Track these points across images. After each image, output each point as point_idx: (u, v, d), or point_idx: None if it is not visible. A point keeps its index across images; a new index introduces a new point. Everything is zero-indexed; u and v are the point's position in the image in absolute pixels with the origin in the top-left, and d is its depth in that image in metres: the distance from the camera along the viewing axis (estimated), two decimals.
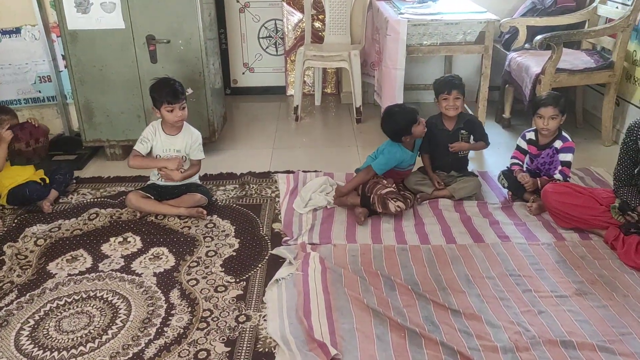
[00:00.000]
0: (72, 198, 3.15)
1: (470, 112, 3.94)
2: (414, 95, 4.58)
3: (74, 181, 3.32)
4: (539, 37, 3.40)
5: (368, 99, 4.63)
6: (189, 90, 3.52)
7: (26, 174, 3.09)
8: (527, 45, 3.99)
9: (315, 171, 3.40)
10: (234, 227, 2.80)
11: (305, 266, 2.41)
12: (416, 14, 3.56)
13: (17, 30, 3.70)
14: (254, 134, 4.18)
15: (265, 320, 2.11)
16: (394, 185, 2.90)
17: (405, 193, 2.93)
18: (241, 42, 5.04)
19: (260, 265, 2.48)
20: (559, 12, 4.04)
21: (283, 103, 4.92)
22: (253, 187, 3.23)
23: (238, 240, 2.68)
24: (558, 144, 2.85)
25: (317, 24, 4.78)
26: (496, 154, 3.66)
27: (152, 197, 2.92)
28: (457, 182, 3.02)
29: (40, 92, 3.88)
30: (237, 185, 3.26)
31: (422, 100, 4.63)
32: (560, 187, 2.70)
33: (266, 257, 2.54)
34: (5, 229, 2.82)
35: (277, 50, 5.07)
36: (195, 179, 3.08)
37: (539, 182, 2.87)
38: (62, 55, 3.72)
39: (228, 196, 3.13)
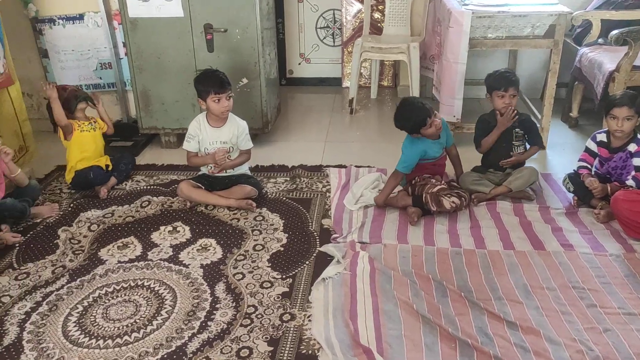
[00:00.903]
0: (126, 185, 3.19)
1: (535, 110, 3.74)
2: (475, 90, 4.37)
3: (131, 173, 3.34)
4: (615, 31, 3.16)
5: (426, 93, 4.48)
6: (244, 80, 3.49)
7: (97, 152, 3.16)
8: (600, 40, 3.74)
9: (368, 167, 3.31)
10: (283, 221, 2.75)
11: (353, 266, 2.33)
12: (481, 5, 3.38)
13: (81, 17, 3.77)
14: (308, 126, 4.12)
15: (309, 320, 2.05)
16: (443, 182, 2.77)
17: (460, 191, 2.80)
18: (298, 32, 4.98)
19: (307, 262, 2.42)
20: (637, 5, 3.76)
21: (338, 95, 4.83)
22: (304, 181, 3.17)
23: (286, 235, 2.63)
24: (632, 147, 2.64)
25: (377, 15, 4.65)
26: (560, 155, 3.46)
27: (203, 187, 2.91)
28: (512, 175, 2.86)
29: (101, 78, 3.95)
30: (288, 178, 3.21)
31: (482, 96, 4.42)
32: (633, 195, 2.51)
33: (314, 254, 2.48)
34: (61, 213, 2.87)
35: (334, 41, 4.98)
36: (245, 169, 3.05)
37: (608, 188, 2.67)
38: (122, 42, 3.77)
39: (278, 189, 3.08)
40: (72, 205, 2.94)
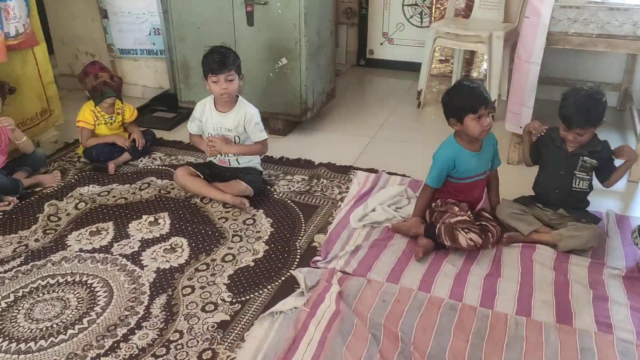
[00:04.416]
0: (141, 161, 3.03)
1: None
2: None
3: (152, 149, 3.16)
4: None
5: None
6: (283, 60, 3.14)
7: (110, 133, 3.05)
8: None
9: (403, 175, 2.83)
10: (272, 229, 2.41)
11: (317, 302, 1.94)
12: None
13: None
14: (362, 116, 3.68)
15: None
16: (469, 213, 2.24)
17: (488, 224, 2.25)
18: (383, 9, 4.48)
19: (270, 287, 2.06)
20: None
21: (417, 82, 4.28)
22: (322, 183, 2.78)
23: (267, 247, 2.29)
24: None
25: None
26: None
27: (202, 177, 2.64)
28: (566, 227, 2.23)
29: (154, 44, 3.82)
30: (307, 177, 2.83)
31: None
32: None
33: (283, 277, 2.11)
34: (62, 184, 2.78)
35: (421, 21, 4.42)
36: (255, 162, 2.73)
37: None
38: None
39: (289, 189, 2.73)
40: (75, 177, 2.84)
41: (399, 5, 4.42)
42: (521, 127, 2.85)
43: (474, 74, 4.32)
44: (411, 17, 4.43)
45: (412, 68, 4.50)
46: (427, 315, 1.91)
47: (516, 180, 2.74)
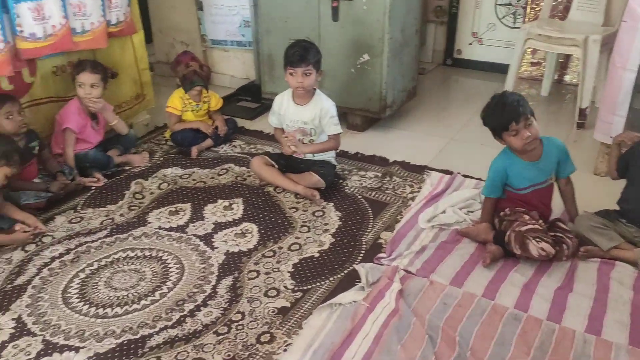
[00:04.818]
0: (222, 148, 3.15)
1: None
2: None
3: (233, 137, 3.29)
4: None
5: None
6: (365, 57, 3.16)
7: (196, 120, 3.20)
8: None
9: (479, 179, 2.76)
10: (340, 223, 2.44)
11: (377, 298, 1.95)
12: None
13: None
14: (443, 117, 3.62)
15: (285, 350, 1.77)
16: (540, 222, 2.15)
17: (564, 236, 2.16)
18: (474, 8, 4.36)
19: (332, 279, 2.09)
20: None
21: (504, 85, 4.14)
22: (394, 181, 2.77)
23: (333, 240, 2.32)
24: None
25: None
26: None
27: (277, 166, 2.72)
28: None
29: (243, 36, 3.95)
30: (379, 174, 2.84)
31: None
32: None
33: (346, 271, 2.14)
34: (149, 165, 2.95)
35: (514, 22, 4.26)
36: (329, 156, 2.77)
37: None
38: None
39: (361, 184, 2.74)
40: (161, 159, 3.01)
41: (491, 5, 4.29)
42: (611, 137, 2.70)
43: (567, 78, 4.13)
44: (503, 17, 4.29)
45: (501, 70, 4.35)
46: (489, 323, 1.86)
47: (602, 192, 2.60)
